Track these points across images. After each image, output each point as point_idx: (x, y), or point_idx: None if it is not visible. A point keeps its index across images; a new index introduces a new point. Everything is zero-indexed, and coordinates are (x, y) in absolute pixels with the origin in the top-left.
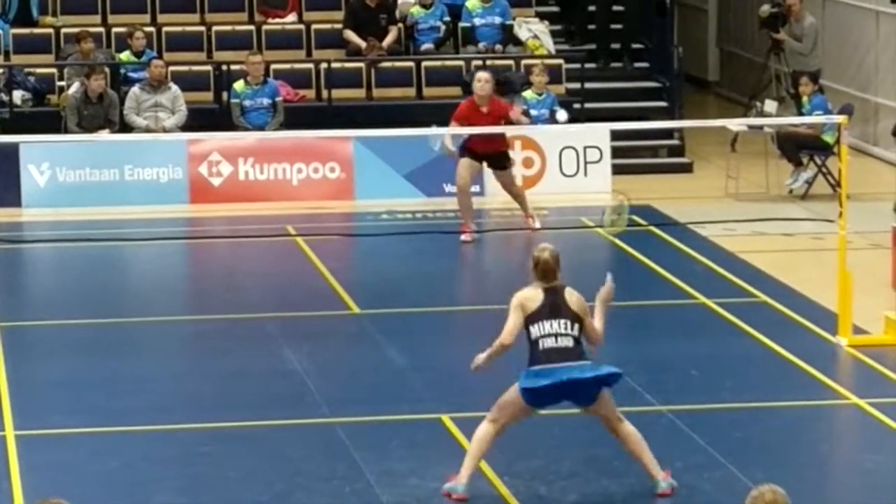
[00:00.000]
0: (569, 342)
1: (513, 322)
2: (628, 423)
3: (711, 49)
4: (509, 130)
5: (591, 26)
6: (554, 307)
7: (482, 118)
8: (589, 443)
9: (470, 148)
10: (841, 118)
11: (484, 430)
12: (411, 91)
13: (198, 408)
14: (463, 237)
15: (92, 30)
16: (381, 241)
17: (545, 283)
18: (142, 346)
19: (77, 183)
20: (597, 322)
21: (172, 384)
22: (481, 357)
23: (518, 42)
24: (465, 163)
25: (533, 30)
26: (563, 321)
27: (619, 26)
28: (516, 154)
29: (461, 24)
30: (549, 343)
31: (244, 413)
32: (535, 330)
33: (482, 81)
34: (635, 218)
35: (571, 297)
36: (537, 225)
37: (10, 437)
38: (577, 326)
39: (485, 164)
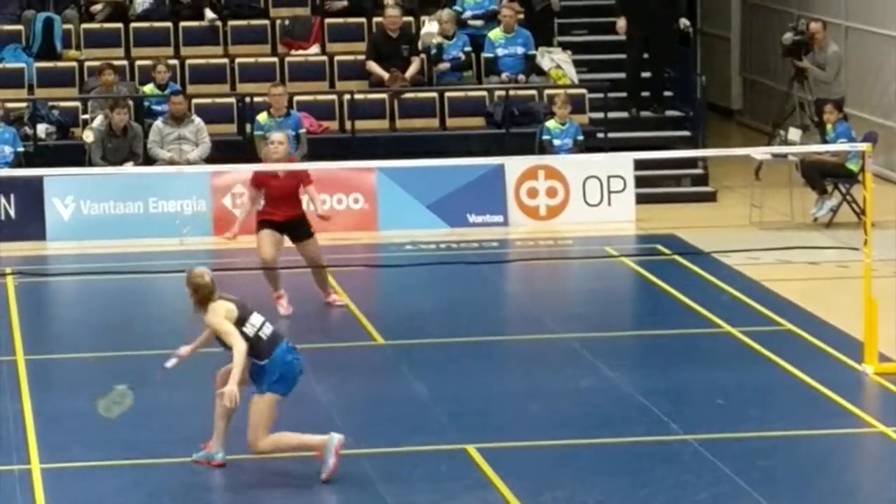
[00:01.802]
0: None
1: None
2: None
3: (735, 78)
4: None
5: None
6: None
7: (277, 182)
8: (615, 472)
9: (265, 219)
10: (865, 146)
11: None
12: (434, 122)
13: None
14: (281, 310)
15: (115, 63)
16: (405, 272)
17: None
18: (167, 378)
19: (101, 216)
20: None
21: (198, 416)
22: None
23: (541, 72)
24: (265, 236)
25: (556, 59)
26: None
27: (648, 74)
28: (540, 183)
29: (484, 55)
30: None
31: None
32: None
33: (275, 143)
34: (660, 247)
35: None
36: (339, 302)
37: (35, 471)
38: None
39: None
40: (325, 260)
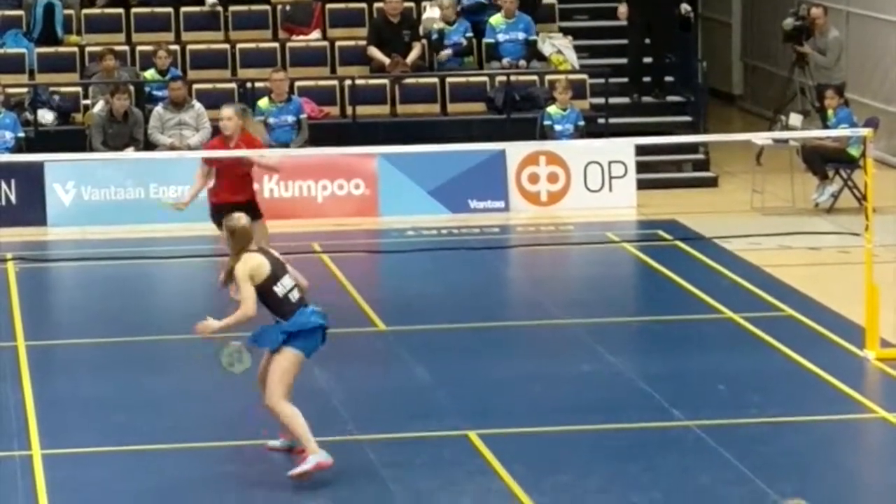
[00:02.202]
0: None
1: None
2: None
3: (736, 63)
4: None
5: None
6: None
7: (227, 160)
8: (617, 458)
9: (216, 202)
10: (866, 131)
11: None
12: (435, 107)
13: (224, 426)
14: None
15: (116, 48)
16: (407, 258)
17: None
18: (168, 364)
19: (102, 201)
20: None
21: (198, 402)
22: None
23: (542, 57)
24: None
25: (557, 45)
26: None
27: (649, 60)
28: (541, 169)
29: (485, 40)
30: (294, 294)
31: (270, 431)
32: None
33: (223, 119)
34: (661, 233)
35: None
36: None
37: (36, 456)
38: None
39: None
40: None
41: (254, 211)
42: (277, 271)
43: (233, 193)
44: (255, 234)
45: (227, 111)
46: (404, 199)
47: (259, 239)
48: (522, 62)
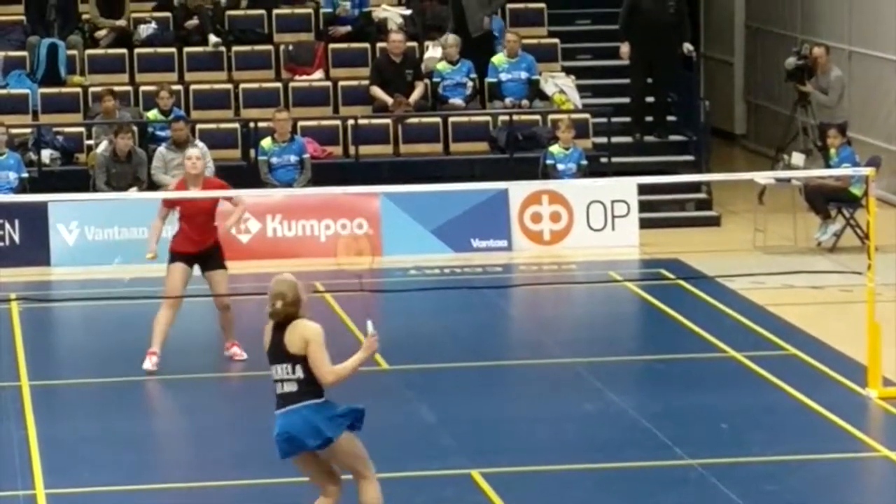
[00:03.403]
0: (292, 387)
1: None
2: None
3: (738, 102)
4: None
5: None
6: (277, 349)
7: (192, 202)
8: (619, 497)
9: (175, 249)
10: (868, 170)
11: None
12: (438, 147)
13: (228, 465)
14: (146, 364)
15: (120, 88)
16: (409, 297)
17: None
18: (171, 403)
19: (106, 241)
20: (346, 363)
21: (202, 442)
22: None
23: (544, 97)
24: (175, 271)
25: (559, 84)
26: (285, 365)
27: (651, 99)
28: (544, 208)
29: (487, 80)
30: (277, 388)
31: (275, 470)
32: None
33: (192, 159)
34: (664, 272)
35: (293, 334)
36: (240, 357)
37: (40, 495)
38: (299, 368)
39: (196, 268)
40: (230, 303)
41: (217, 258)
42: None
43: (197, 236)
44: (215, 284)
45: (195, 151)
46: (407, 238)
47: (219, 290)
48: (525, 101)
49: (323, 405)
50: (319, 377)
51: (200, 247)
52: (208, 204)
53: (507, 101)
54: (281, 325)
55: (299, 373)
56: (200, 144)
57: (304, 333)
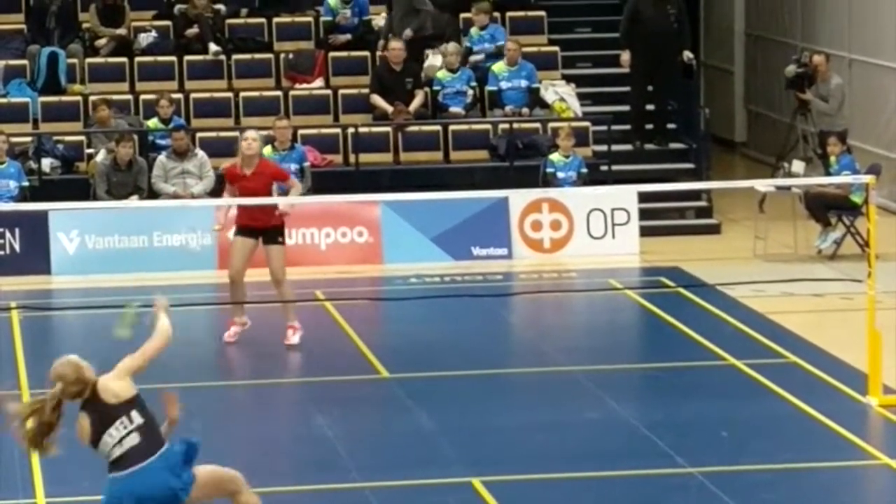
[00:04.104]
0: (135, 439)
1: None
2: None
3: (738, 110)
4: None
5: (623, 88)
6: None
7: (247, 182)
8: None
9: (238, 223)
10: (869, 178)
11: None
12: (438, 155)
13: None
14: (227, 335)
15: (120, 97)
16: (410, 305)
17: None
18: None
19: (106, 250)
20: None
21: (204, 450)
22: None
23: (544, 105)
24: (237, 245)
25: (559, 92)
26: (119, 421)
27: (651, 107)
28: (544, 216)
29: (487, 88)
30: (115, 453)
31: (275, 479)
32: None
33: (248, 140)
34: (664, 280)
35: (105, 391)
36: (294, 340)
37: None
38: (135, 413)
39: (261, 241)
40: (288, 284)
41: (276, 233)
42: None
43: (255, 217)
44: (271, 260)
45: (253, 133)
46: (407, 246)
47: (275, 267)
48: (525, 110)
49: (166, 453)
50: (133, 365)
51: (261, 223)
52: (261, 186)
53: (508, 109)
54: (88, 400)
55: (137, 418)
56: (200, 153)
57: (112, 375)
